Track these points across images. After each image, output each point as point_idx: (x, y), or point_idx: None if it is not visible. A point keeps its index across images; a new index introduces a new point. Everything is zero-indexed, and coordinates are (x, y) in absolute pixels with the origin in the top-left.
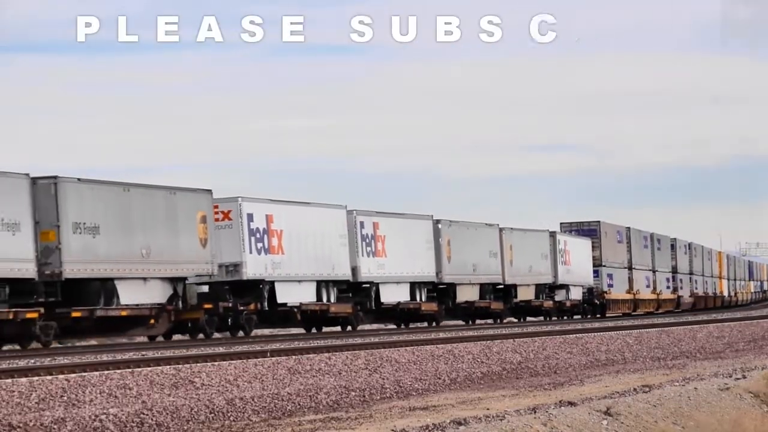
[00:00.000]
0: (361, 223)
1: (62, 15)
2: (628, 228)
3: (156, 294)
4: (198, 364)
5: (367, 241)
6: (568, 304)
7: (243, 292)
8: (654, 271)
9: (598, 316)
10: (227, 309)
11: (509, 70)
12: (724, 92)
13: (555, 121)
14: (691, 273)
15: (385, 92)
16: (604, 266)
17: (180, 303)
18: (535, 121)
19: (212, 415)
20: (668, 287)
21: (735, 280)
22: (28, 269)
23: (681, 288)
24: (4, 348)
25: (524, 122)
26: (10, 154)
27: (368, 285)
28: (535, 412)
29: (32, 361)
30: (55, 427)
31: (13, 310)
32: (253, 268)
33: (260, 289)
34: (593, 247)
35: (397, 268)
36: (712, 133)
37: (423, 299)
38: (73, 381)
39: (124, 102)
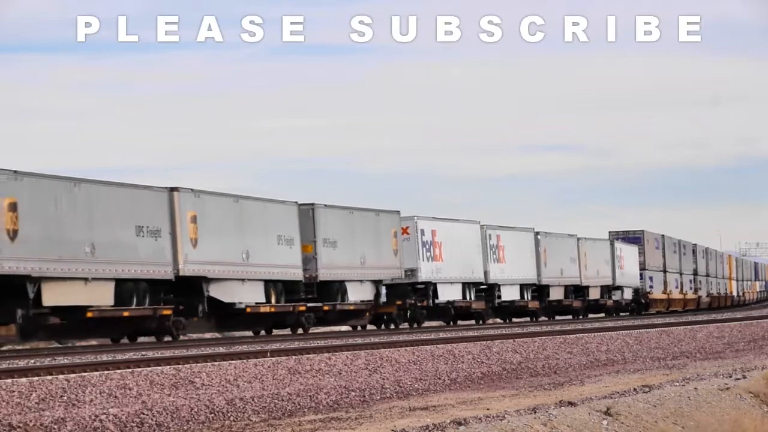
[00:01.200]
0: (489, 236)
1: (62, 15)
2: (663, 235)
3: (367, 293)
4: (198, 364)
5: (493, 250)
6: (623, 303)
7: (414, 291)
8: (681, 274)
9: (642, 313)
10: (411, 305)
11: (509, 70)
12: (724, 92)
13: (555, 121)
14: (707, 275)
15: (385, 92)
16: (647, 270)
17: (380, 300)
18: (535, 121)
19: (212, 415)
20: (690, 288)
21: (742, 280)
22: (298, 273)
23: (701, 288)
24: (4, 348)
25: (524, 122)
26: (10, 154)
27: (492, 286)
28: (535, 412)
29: (32, 361)
30: (55, 427)
31: (292, 304)
32: (425, 272)
33: (427, 289)
34: (638, 253)
35: (512, 272)
36: (712, 133)
37: (528, 298)
38: (73, 381)
39: (124, 102)
